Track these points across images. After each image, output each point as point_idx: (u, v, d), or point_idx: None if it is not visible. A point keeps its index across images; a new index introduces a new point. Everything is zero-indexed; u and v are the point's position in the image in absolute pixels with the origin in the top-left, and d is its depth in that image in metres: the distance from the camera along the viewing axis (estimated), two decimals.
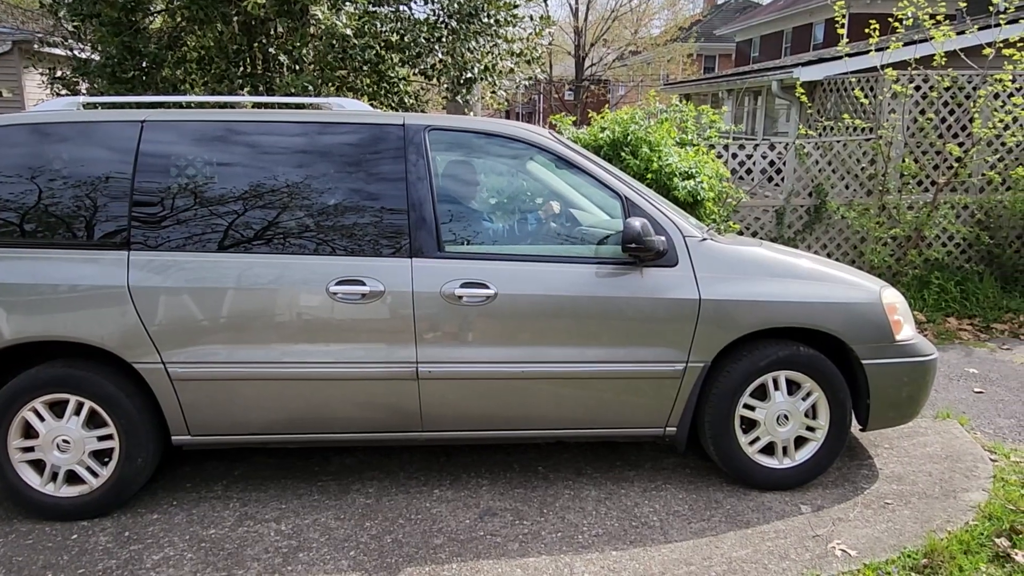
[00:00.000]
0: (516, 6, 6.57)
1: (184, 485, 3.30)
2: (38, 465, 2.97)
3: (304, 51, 6.25)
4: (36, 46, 15.16)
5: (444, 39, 6.14)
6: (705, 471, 3.45)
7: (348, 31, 5.75)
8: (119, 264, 2.88)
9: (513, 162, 3.42)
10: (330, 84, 6.75)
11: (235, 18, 6.39)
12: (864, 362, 3.16)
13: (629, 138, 5.75)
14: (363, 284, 2.91)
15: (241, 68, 6.58)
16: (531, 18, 6.95)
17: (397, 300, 2.93)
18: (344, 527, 2.96)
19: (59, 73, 7.42)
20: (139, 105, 4.42)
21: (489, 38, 6.61)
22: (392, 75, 6.85)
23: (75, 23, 6.67)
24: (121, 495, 3.00)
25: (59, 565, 2.68)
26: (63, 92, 7.26)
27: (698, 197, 5.58)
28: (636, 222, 2.92)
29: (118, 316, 2.86)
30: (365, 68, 6.47)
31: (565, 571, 2.68)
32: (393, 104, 7.00)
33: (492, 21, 6.42)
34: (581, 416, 3.13)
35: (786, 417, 3.19)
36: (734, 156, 6.60)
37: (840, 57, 7.78)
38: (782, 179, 6.70)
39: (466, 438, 3.19)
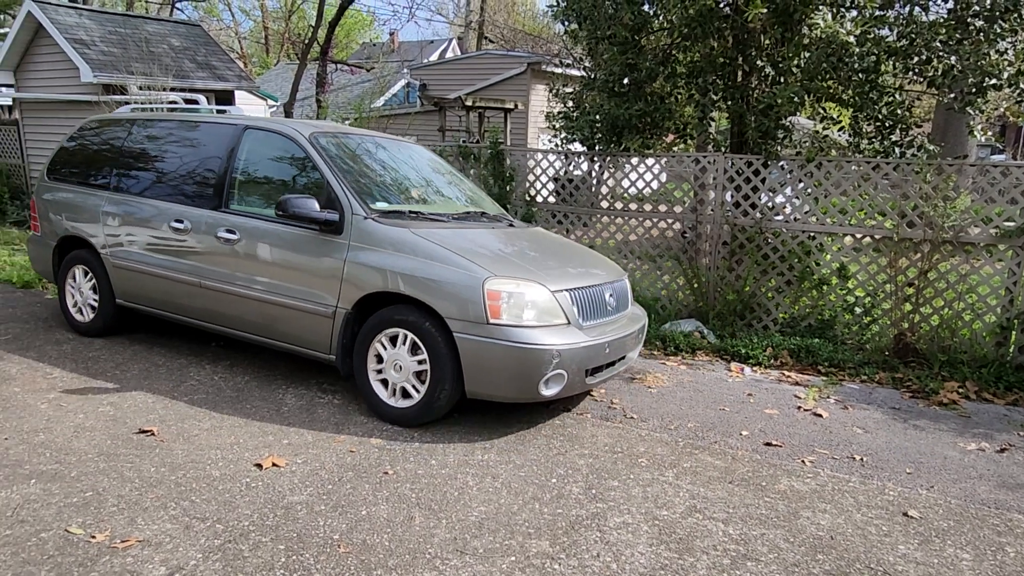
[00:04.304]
0: None
1: (639, 462, 3.59)
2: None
3: (794, 61, 6.11)
4: (543, 66, 18.22)
5: (965, 41, 5.31)
6: None
7: (851, 38, 5.40)
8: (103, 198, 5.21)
9: (289, 152, 4.54)
10: (811, 95, 6.48)
11: (728, 33, 6.60)
12: (455, 334, 3.73)
13: None
14: (182, 223, 4.69)
15: (726, 80, 6.77)
16: None
17: (195, 236, 4.64)
18: (794, 553, 2.84)
19: (568, 89, 8.74)
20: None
21: (1021, 38, 5.50)
22: (884, 84, 6.24)
23: (589, 44, 7.72)
24: (104, 325, 5.29)
25: (543, 500, 3.18)
26: (561, 104, 8.55)
27: None
28: (296, 200, 4.03)
29: (100, 225, 5.19)
30: (857, 77, 6.03)
31: None
32: (881, 116, 6.37)
33: None
34: (283, 332, 4.35)
35: (400, 366, 3.95)
36: None
37: None
38: None
39: (230, 334, 4.65)
